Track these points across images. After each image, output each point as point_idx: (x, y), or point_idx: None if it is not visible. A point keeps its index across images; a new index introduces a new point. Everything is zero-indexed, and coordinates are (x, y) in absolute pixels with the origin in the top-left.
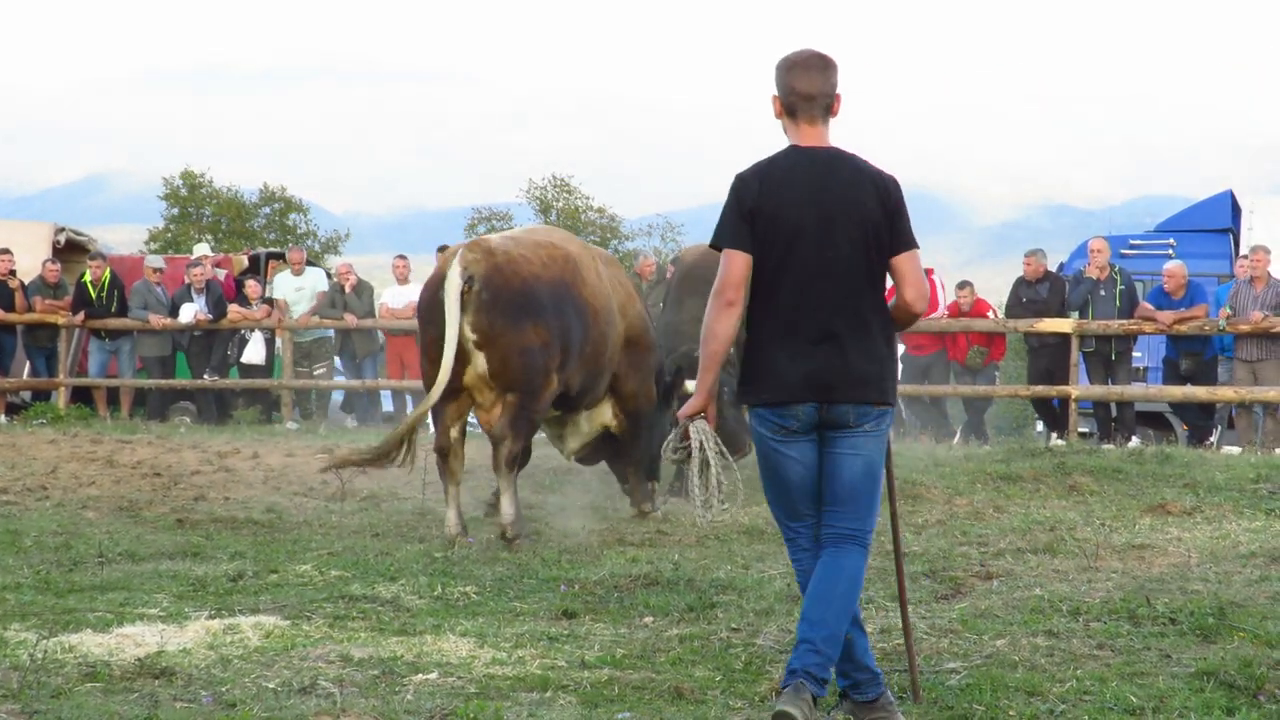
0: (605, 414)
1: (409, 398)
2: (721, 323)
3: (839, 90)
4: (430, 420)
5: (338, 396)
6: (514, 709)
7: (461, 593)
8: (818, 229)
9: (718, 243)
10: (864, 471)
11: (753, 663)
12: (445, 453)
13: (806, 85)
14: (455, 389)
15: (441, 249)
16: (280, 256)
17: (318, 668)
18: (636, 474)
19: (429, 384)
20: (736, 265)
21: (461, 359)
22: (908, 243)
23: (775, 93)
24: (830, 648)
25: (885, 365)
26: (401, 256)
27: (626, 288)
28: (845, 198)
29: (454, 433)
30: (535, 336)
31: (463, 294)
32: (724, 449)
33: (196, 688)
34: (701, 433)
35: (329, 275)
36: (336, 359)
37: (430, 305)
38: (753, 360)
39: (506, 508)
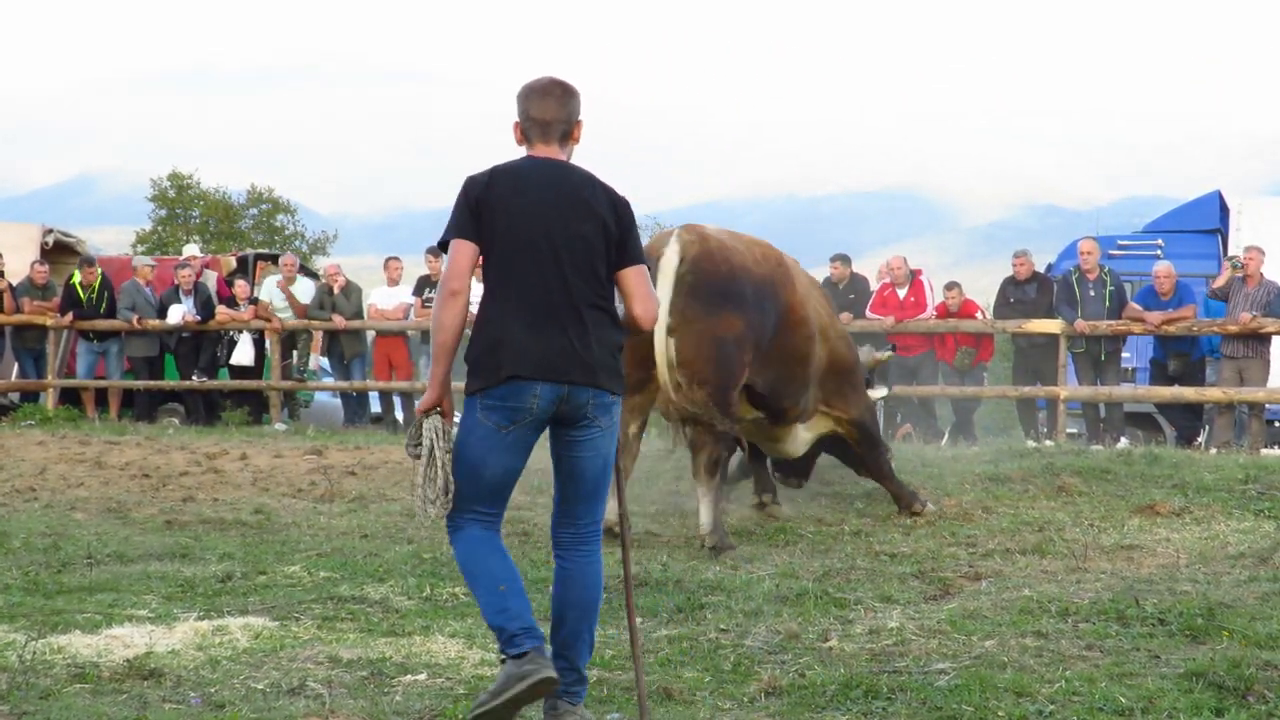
0: (824, 425)
1: (397, 399)
2: (447, 312)
3: (580, 118)
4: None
5: (321, 397)
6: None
7: (450, 594)
8: (552, 217)
9: (445, 238)
10: (603, 468)
11: (741, 663)
12: (619, 449)
13: (541, 111)
14: (641, 381)
15: (432, 250)
16: (269, 258)
17: (306, 669)
18: (891, 481)
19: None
20: (462, 255)
21: (646, 341)
22: (637, 258)
23: (516, 119)
24: (588, 654)
25: (618, 356)
26: (394, 258)
27: (829, 311)
28: (578, 196)
29: (633, 429)
30: (728, 326)
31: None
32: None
33: (185, 689)
34: (434, 430)
35: (318, 277)
36: (324, 359)
37: None
38: (487, 345)
39: (705, 516)
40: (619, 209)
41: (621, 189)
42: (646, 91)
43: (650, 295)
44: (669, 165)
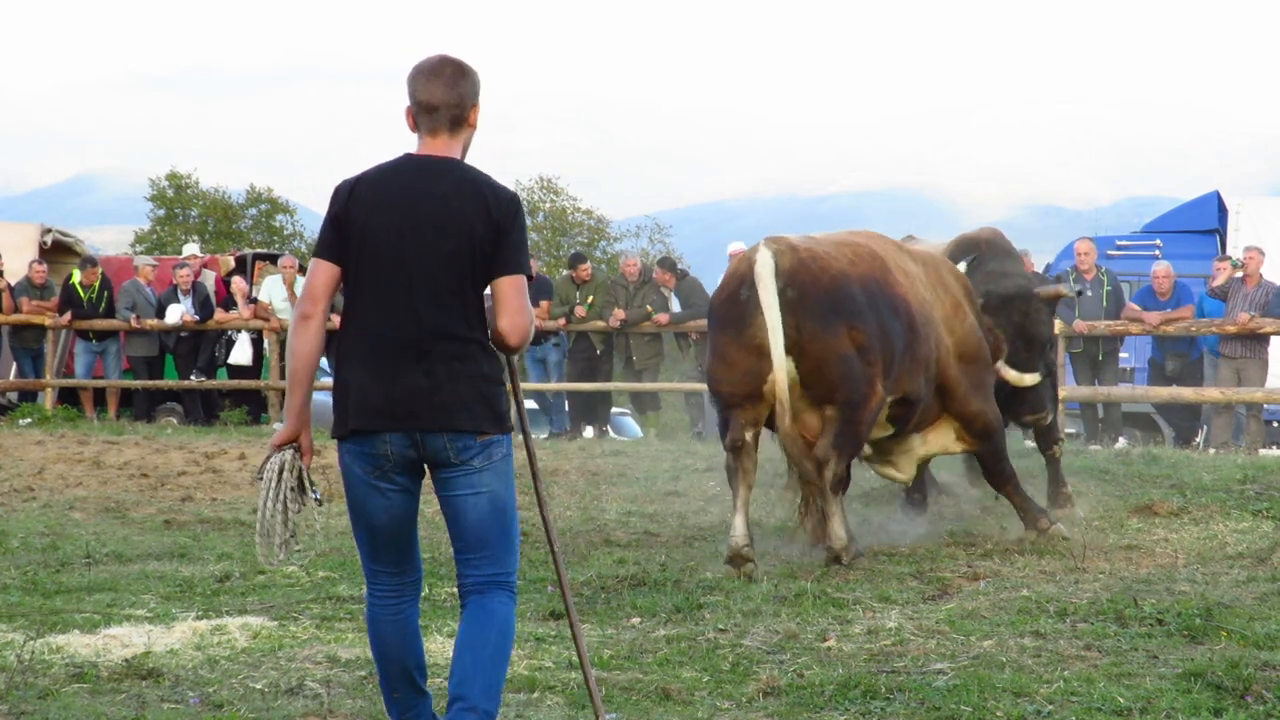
0: (946, 437)
1: None
2: (298, 338)
3: (476, 102)
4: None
5: (319, 396)
6: (501, 710)
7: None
8: (408, 239)
9: (314, 253)
10: (490, 510)
11: (740, 663)
12: (738, 449)
13: (428, 95)
14: (743, 395)
15: None
16: (267, 258)
17: (305, 668)
18: (1015, 493)
19: (716, 388)
20: (318, 276)
21: (755, 359)
22: (511, 266)
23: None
24: (489, 702)
25: (487, 390)
26: None
27: (954, 295)
28: (444, 209)
29: (749, 434)
30: (851, 341)
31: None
32: (306, 486)
33: (184, 688)
34: (280, 465)
35: None
36: (323, 359)
37: (730, 304)
38: (338, 388)
39: (838, 530)
40: (496, 213)
41: (621, 190)
42: (646, 91)
43: (522, 310)
44: (669, 165)
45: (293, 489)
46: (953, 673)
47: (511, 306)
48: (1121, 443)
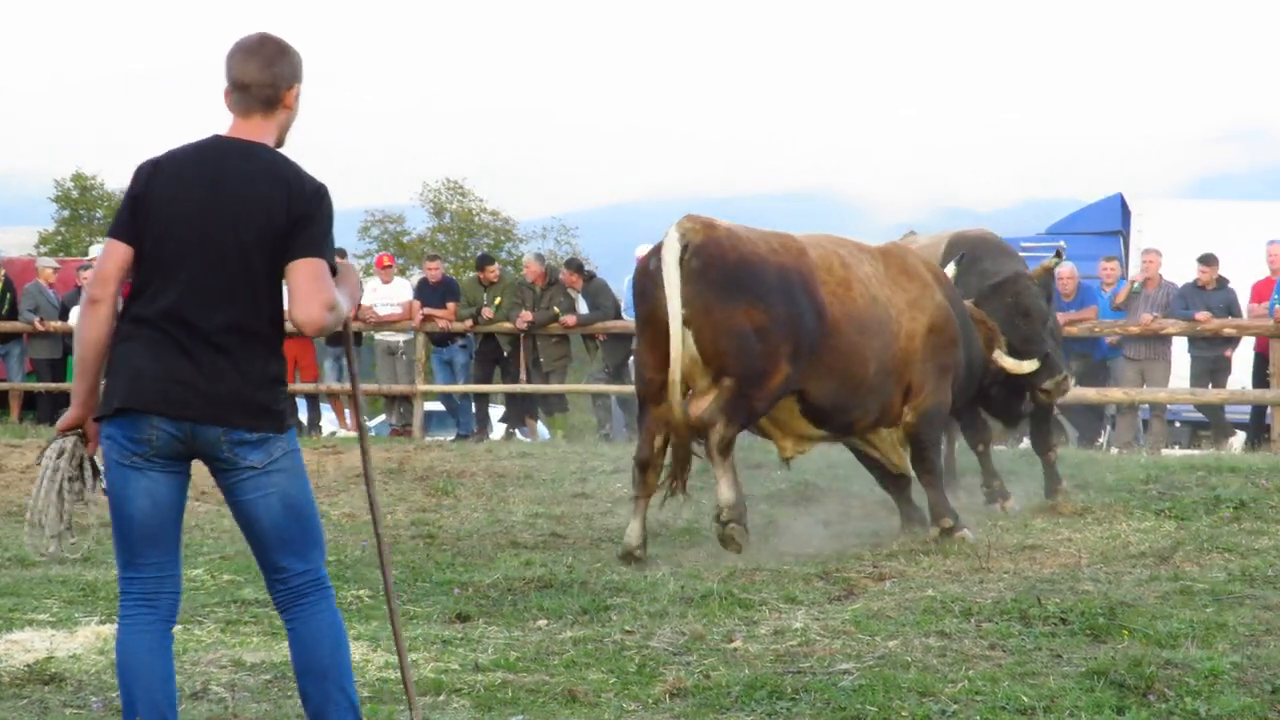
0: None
1: (302, 401)
2: (86, 324)
3: (293, 84)
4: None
5: None
6: (407, 713)
7: (354, 596)
8: (205, 224)
9: (108, 233)
10: (283, 510)
11: (646, 665)
12: (646, 465)
13: (242, 73)
14: (661, 382)
15: (336, 251)
16: None
17: (210, 673)
18: (934, 485)
19: (638, 375)
20: (111, 257)
21: (663, 335)
22: (307, 250)
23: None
24: (351, 715)
25: (268, 388)
26: None
27: (921, 280)
28: (243, 194)
29: (658, 441)
30: (748, 318)
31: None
32: (88, 476)
33: (86, 693)
34: (62, 450)
35: None
36: None
37: (641, 276)
38: (110, 368)
39: (725, 491)
40: (298, 204)
41: (530, 191)
42: (552, 93)
43: (317, 295)
44: (576, 167)
45: (70, 478)
46: (858, 673)
47: (306, 291)
48: (1026, 443)
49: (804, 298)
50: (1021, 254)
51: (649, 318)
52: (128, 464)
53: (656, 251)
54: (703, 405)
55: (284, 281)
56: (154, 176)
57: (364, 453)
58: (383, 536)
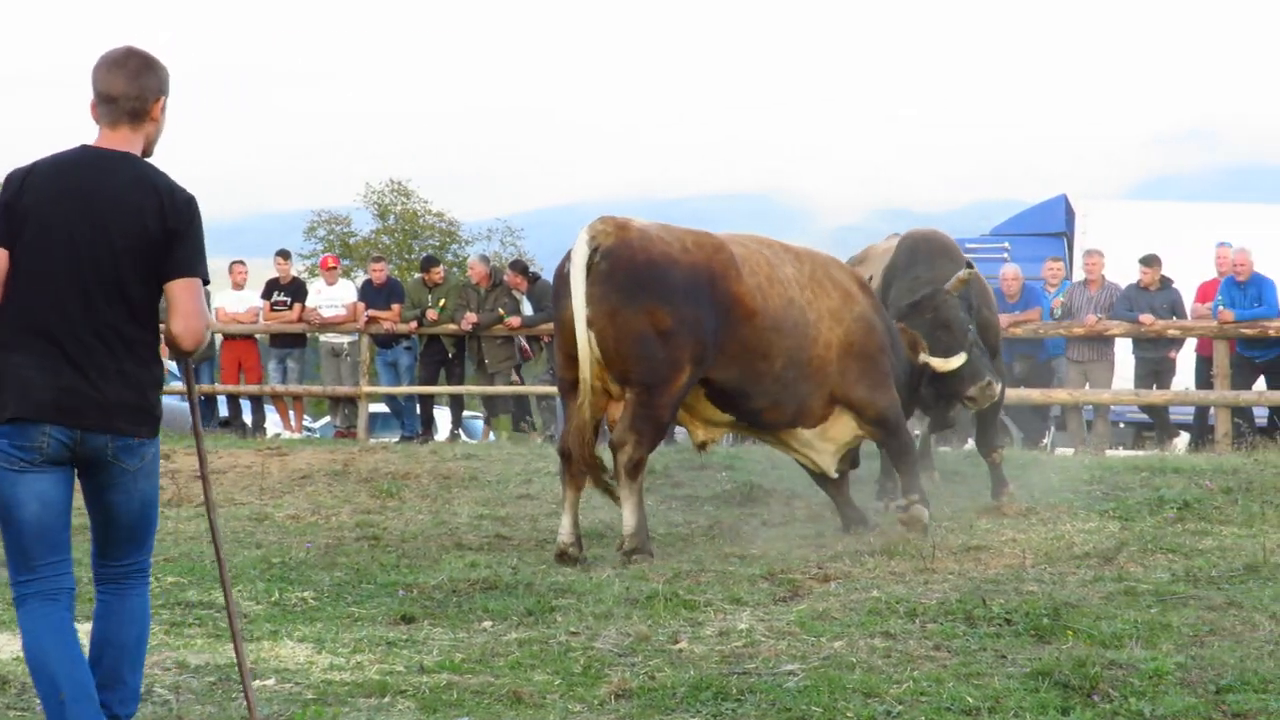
0: (846, 428)
1: (246, 403)
2: None
3: (160, 96)
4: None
5: (169, 400)
6: (352, 714)
7: (299, 598)
8: (80, 233)
9: None
10: (140, 509)
11: (591, 666)
12: (567, 456)
13: (107, 85)
14: (576, 381)
15: (281, 253)
16: None
17: (154, 675)
18: (908, 470)
19: (557, 372)
20: None
21: (573, 337)
22: (185, 269)
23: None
24: (131, 704)
25: (150, 393)
26: (239, 261)
27: (844, 288)
28: (117, 204)
29: (580, 435)
30: (650, 321)
31: (588, 265)
32: None
33: (30, 695)
34: None
35: None
36: (172, 364)
37: (556, 280)
38: (0, 375)
39: (628, 518)
40: (171, 214)
41: (477, 192)
42: (498, 94)
43: (197, 313)
44: (523, 167)
45: None
46: (803, 674)
47: (185, 309)
48: (970, 444)
49: (712, 295)
50: (968, 254)
51: (559, 319)
52: (15, 470)
53: (568, 256)
54: (615, 423)
55: (161, 292)
56: (26, 185)
57: (201, 458)
58: (224, 559)
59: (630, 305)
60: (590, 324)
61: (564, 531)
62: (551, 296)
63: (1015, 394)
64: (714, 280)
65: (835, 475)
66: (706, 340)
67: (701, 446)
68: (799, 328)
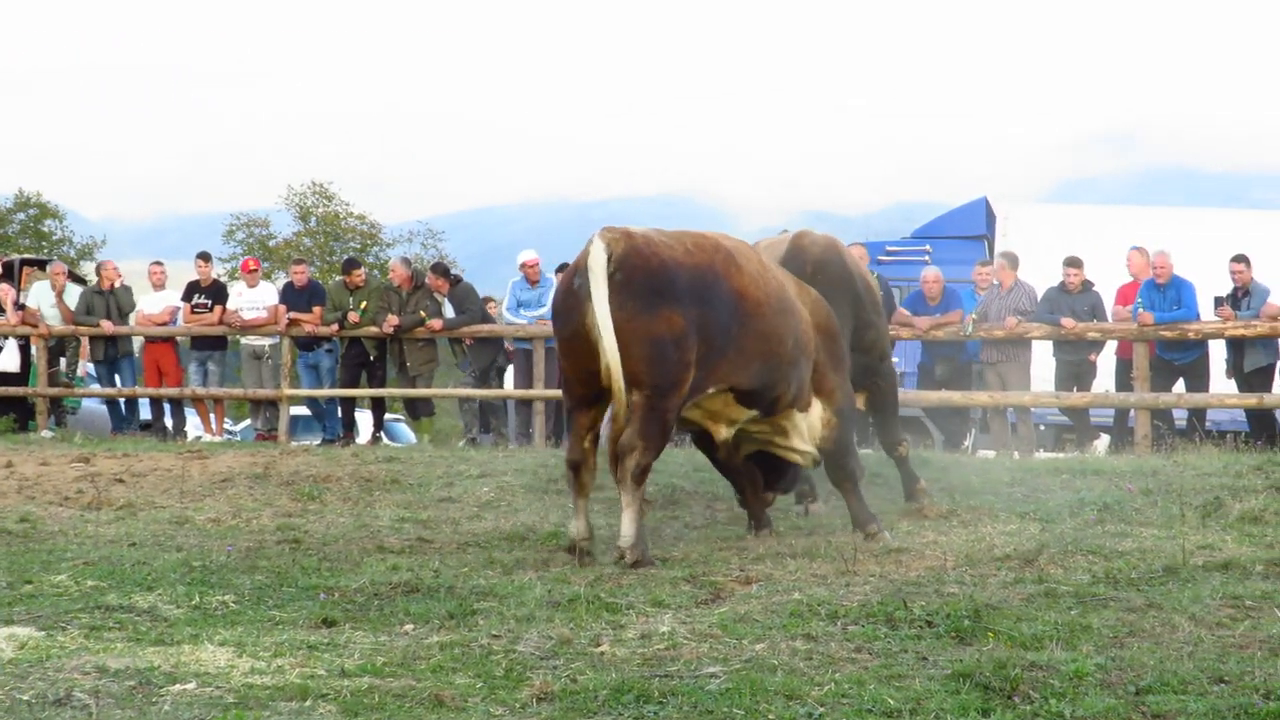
0: (818, 417)
1: (166, 405)
2: None
3: None
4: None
5: (89, 404)
6: (273, 718)
7: (220, 602)
8: None
9: None
10: None
11: (513, 669)
12: (578, 466)
13: None
14: (591, 394)
15: (201, 255)
16: (37, 264)
17: (73, 679)
18: (852, 492)
19: (565, 387)
20: None
21: (590, 350)
22: None
23: None
24: None
25: None
26: (157, 263)
27: (795, 279)
28: None
29: (587, 443)
30: (667, 325)
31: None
32: None
33: None
34: None
35: (85, 283)
36: (91, 366)
37: (565, 296)
38: None
39: (627, 527)
40: None
41: (396, 194)
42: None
43: None
44: (439, 170)
45: None
46: (725, 676)
47: None
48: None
49: (721, 294)
50: (889, 257)
51: (574, 334)
52: None
53: (577, 271)
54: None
55: None
56: None
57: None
58: None
59: (648, 312)
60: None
61: (580, 529)
62: (557, 314)
63: (936, 396)
64: (719, 279)
65: (814, 464)
66: (714, 341)
67: (723, 443)
68: (793, 306)
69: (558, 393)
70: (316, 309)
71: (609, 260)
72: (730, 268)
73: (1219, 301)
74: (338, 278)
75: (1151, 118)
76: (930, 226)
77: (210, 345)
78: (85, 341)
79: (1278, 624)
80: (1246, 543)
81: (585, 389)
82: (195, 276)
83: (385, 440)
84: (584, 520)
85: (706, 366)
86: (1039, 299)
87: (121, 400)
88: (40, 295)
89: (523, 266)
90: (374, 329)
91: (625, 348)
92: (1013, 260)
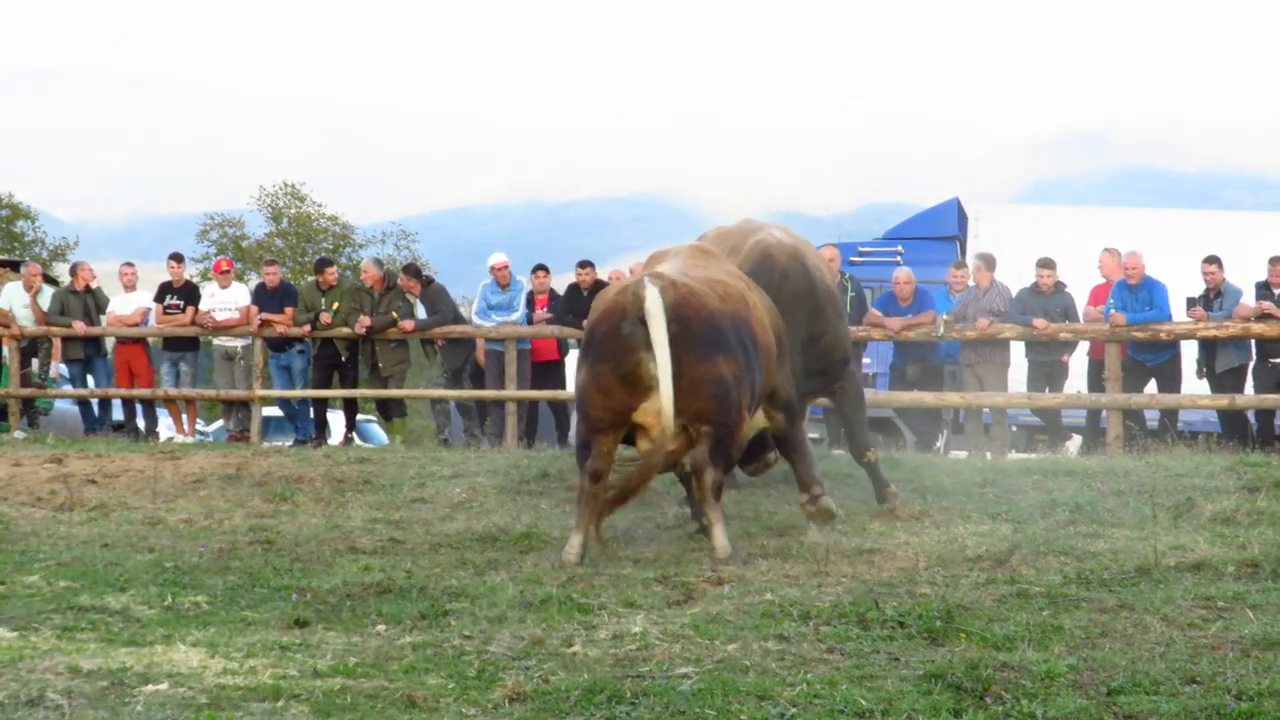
0: (760, 416)
1: (138, 406)
2: None
3: None
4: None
5: (62, 404)
6: (245, 719)
7: (192, 602)
8: None
9: None
10: None
11: (485, 670)
12: (599, 476)
13: None
14: (618, 422)
15: (174, 256)
16: (10, 265)
17: (46, 679)
18: (804, 465)
19: (590, 413)
20: None
21: (636, 390)
22: None
23: None
24: None
25: None
26: (128, 264)
27: (750, 283)
28: None
29: (606, 461)
30: (729, 370)
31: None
32: None
33: None
34: None
35: (58, 283)
36: (64, 366)
37: (613, 339)
38: None
39: (720, 539)
40: None
41: (368, 196)
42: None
43: None
44: (414, 171)
45: None
46: (697, 677)
47: None
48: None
49: (748, 338)
50: (861, 258)
51: (625, 376)
52: None
53: (623, 314)
54: (693, 451)
55: None
56: None
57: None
58: None
59: (708, 360)
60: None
61: (573, 551)
62: (602, 354)
63: (908, 397)
64: (744, 325)
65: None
66: (756, 382)
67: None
68: (765, 321)
69: (530, 394)
70: (288, 310)
71: (665, 309)
72: (746, 313)
73: (1191, 302)
74: (310, 278)
75: (1123, 118)
76: (902, 227)
77: (182, 346)
78: (57, 342)
79: (1249, 625)
80: (1218, 543)
81: (615, 418)
82: (168, 277)
83: (357, 441)
84: (584, 536)
85: (755, 399)
86: (1012, 300)
87: (94, 401)
88: (12, 296)
89: (493, 269)
90: (346, 330)
91: (694, 390)
92: (989, 261)
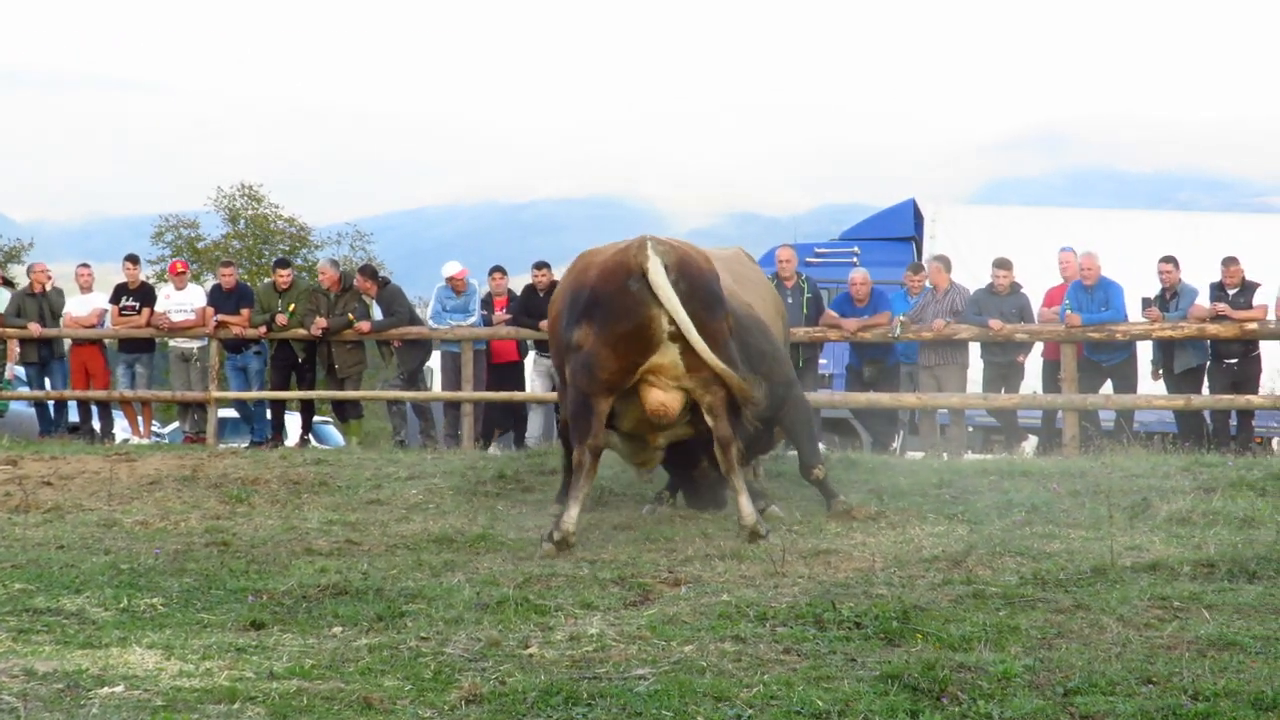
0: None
1: (94, 407)
2: None
3: None
4: (581, 422)
5: (16, 406)
6: None
7: (148, 604)
8: None
9: None
10: None
11: (442, 671)
12: (599, 453)
13: None
14: (622, 383)
15: (129, 258)
16: None
17: (1, 682)
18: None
19: (593, 377)
20: None
21: (646, 344)
22: None
23: None
24: None
25: None
26: (84, 265)
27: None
28: None
29: (603, 436)
30: (729, 327)
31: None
32: None
33: None
34: None
35: (14, 285)
36: (19, 368)
37: (621, 295)
38: None
39: (746, 507)
40: None
41: (325, 197)
42: (346, 98)
43: None
44: (370, 171)
45: None
46: (654, 678)
47: None
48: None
49: (728, 299)
50: (818, 259)
51: (634, 330)
52: None
53: (628, 273)
54: (670, 416)
55: None
56: None
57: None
58: None
59: (714, 318)
60: (674, 339)
61: (570, 520)
62: (608, 313)
63: (864, 398)
64: (724, 289)
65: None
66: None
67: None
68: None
69: (486, 395)
70: (245, 311)
71: (668, 269)
72: (723, 278)
73: (1147, 303)
74: (266, 280)
75: (1080, 119)
76: (859, 228)
77: (138, 347)
78: (13, 344)
79: (1205, 625)
80: (1174, 544)
81: (621, 379)
82: (123, 279)
83: (313, 443)
84: (578, 510)
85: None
86: (968, 301)
87: (50, 402)
88: None
89: (449, 280)
90: (302, 331)
91: (711, 342)
92: (946, 263)
